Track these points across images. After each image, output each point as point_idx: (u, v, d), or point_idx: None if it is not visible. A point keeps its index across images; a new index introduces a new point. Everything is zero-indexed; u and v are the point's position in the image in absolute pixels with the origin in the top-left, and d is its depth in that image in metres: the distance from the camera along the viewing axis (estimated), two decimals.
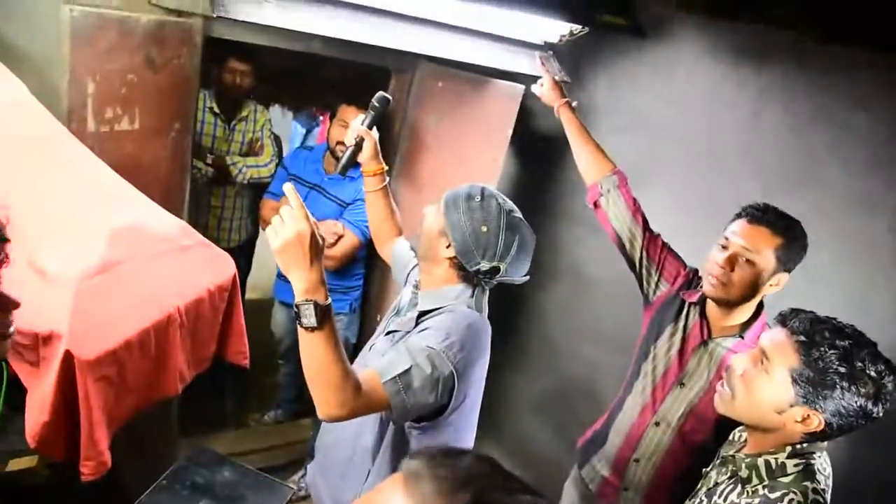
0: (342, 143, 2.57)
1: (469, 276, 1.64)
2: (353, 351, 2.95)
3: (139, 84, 2.01)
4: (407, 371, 1.42)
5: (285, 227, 1.27)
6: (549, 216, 3.22)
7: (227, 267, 1.68)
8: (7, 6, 1.88)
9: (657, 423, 1.89)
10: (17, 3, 1.88)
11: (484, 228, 1.57)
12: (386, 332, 1.74)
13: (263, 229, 2.99)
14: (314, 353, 1.31)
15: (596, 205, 2.08)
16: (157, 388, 1.54)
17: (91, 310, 1.32)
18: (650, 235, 2.01)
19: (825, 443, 1.34)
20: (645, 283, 2.02)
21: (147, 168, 2.11)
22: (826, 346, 1.24)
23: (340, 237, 2.64)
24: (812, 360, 1.25)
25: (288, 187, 1.34)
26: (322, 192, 2.75)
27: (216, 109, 3.05)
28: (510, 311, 3.44)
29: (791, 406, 1.28)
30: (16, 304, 1.05)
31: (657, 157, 2.73)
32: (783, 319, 1.34)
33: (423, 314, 1.64)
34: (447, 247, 1.61)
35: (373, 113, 1.89)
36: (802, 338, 1.27)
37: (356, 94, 2.69)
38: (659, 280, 2.00)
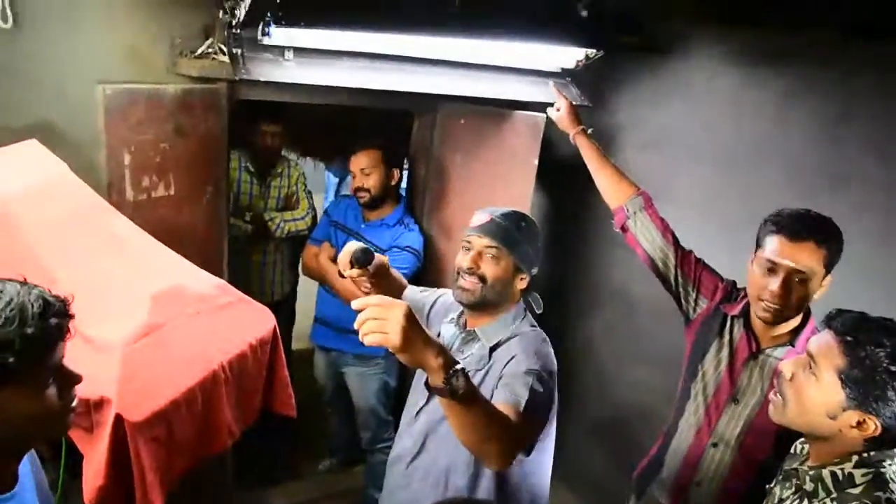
0: (359, 190, 2.73)
1: (524, 290, 1.73)
2: (397, 394, 2.95)
3: (172, 151, 2.11)
4: (532, 396, 1.45)
5: (389, 318, 1.14)
6: (586, 240, 3.20)
7: (267, 321, 1.72)
8: (45, 90, 1.99)
9: (715, 444, 1.82)
10: (53, 86, 2.00)
11: (539, 243, 1.71)
12: None
13: (304, 274, 3.07)
14: (478, 416, 1.25)
15: (624, 228, 2.06)
16: (207, 444, 1.56)
17: (137, 373, 1.36)
18: (682, 253, 1.97)
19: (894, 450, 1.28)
20: (683, 301, 1.98)
21: (185, 231, 2.19)
22: (872, 344, 1.20)
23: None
24: (858, 360, 1.21)
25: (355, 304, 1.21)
26: (360, 238, 2.80)
27: (251, 168, 3.16)
28: (554, 338, 3.40)
29: (844, 410, 1.24)
30: (78, 379, 1.07)
31: (686, 172, 2.70)
32: (828, 321, 1.30)
33: (494, 347, 1.67)
34: (522, 279, 1.70)
35: (357, 265, 1.73)
36: (847, 338, 1.23)
37: (377, 141, 2.76)
38: (697, 297, 1.95)
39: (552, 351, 1.71)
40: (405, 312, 1.14)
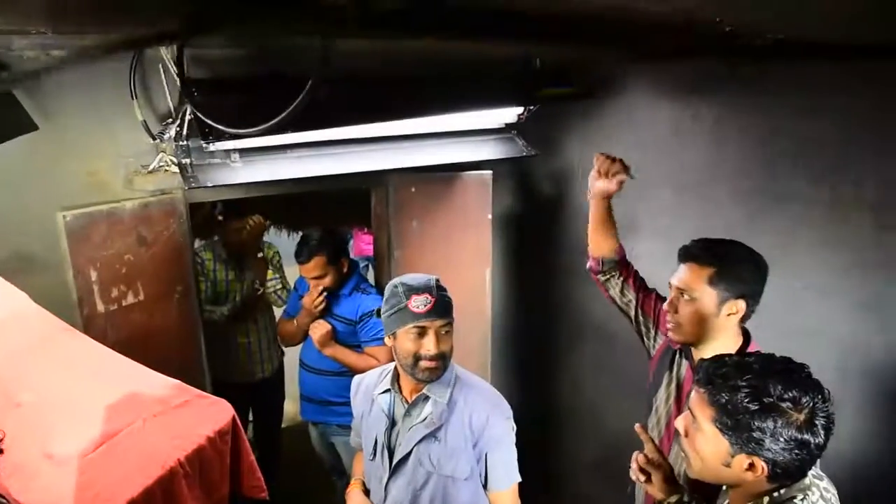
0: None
1: None
2: None
3: (136, 261, 2.26)
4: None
5: None
6: (559, 278, 3.27)
7: (224, 412, 1.82)
8: (12, 221, 2.14)
9: None
10: (20, 217, 2.15)
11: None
12: (419, 440, 1.83)
13: (282, 344, 3.29)
14: None
15: (593, 271, 2.18)
16: None
17: (93, 481, 1.48)
18: (643, 295, 2.08)
19: (808, 480, 1.28)
20: (645, 338, 2.07)
21: (159, 331, 2.33)
22: (727, 389, 1.23)
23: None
24: (722, 407, 1.24)
25: None
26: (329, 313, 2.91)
27: (224, 256, 3.27)
28: (544, 374, 3.46)
29: (733, 456, 1.26)
30: None
31: (642, 201, 2.76)
32: (695, 374, 1.35)
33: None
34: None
35: None
36: (709, 387, 1.27)
37: (317, 245, 2.81)
38: (656, 333, 2.03)
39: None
40: None
